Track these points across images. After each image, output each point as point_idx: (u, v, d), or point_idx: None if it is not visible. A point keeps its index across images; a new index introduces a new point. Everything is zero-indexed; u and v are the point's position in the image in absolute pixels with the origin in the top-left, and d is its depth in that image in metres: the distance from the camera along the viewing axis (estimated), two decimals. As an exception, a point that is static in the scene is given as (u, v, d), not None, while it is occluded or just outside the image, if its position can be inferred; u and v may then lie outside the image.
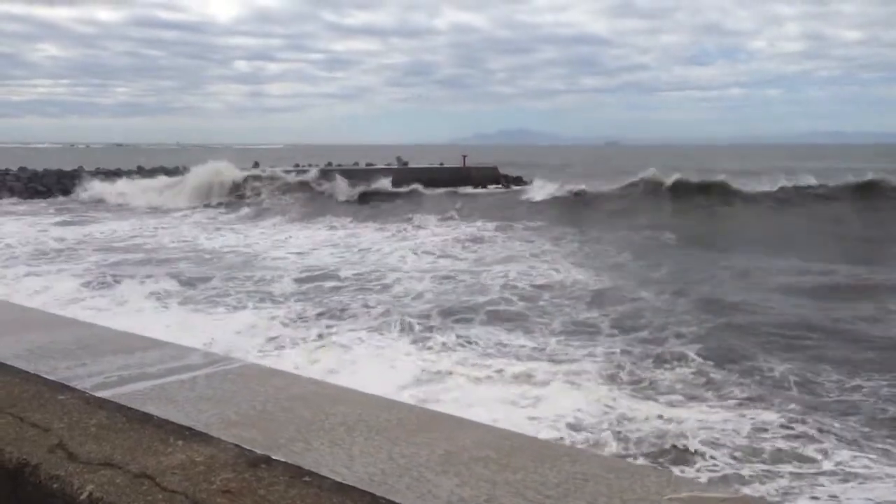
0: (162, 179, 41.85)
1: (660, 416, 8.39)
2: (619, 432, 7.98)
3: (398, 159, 56.62)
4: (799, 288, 16.42)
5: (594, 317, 13.53)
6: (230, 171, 41.75)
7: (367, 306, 14.20)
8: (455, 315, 13.54)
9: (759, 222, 28.41)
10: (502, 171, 54.40)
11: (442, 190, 42.33)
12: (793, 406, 8.85)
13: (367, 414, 2.12)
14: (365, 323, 12.96)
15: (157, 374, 2.52)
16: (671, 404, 8.93)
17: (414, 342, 11.64)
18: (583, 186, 35.87)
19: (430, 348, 11.25)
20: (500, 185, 49.22)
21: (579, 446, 7.00)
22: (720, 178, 34.89)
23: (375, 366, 10.34)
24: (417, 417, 2.10)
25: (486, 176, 51.38)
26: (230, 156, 48.95)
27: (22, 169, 46.32)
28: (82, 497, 1.68)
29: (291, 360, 10.33)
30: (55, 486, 1.74)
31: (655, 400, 9.04)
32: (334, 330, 12.46)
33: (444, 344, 11.46)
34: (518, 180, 51.93)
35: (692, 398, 9.18)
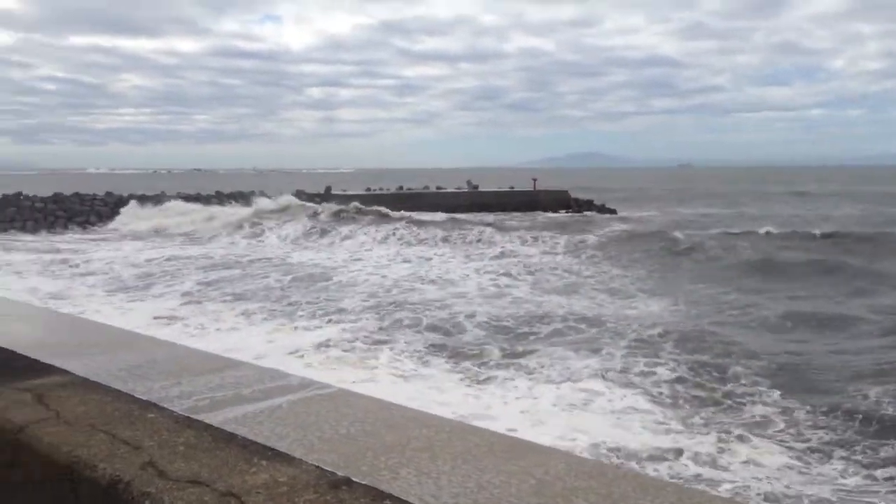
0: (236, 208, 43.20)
1: (747, 461, 8.09)
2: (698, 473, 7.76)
3: (468, 183, 56.82)
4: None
5: (658, 339, 13.26)
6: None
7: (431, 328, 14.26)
8: (512, 336, 13.49)
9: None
10: (573, 195, 54.03)
11: (512, 214, 42.30)
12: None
13: (451, 439, 2.10)
14: (432, 344, 13.00)
15: (245, 396, 2.57)
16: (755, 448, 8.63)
17: (464, 370, 11.59)
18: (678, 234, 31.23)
19: (482, 380, 11.15)
20: (570, 210, 48.87)
21: (678, 481, 6.80)
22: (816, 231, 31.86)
23: (440, 390, 10.33)
24: (504, 444, 2.07)
25: (556, 200, 51.12)
26: (302, 180, 49.98)
27: (108, 194, 48.21)
28: (173, 514, 1.71)
29: (351, 376, 10.46)
30: (146, 502, 1.78)
31: (747, 442, 8.69)
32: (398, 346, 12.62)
33: (487, 375, 11.37)
34: (589, 204, 51.50)
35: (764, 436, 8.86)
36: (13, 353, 3.10)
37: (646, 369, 11.46)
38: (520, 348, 12.76)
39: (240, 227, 38.42)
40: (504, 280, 21.22)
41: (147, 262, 25.24)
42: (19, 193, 45.06)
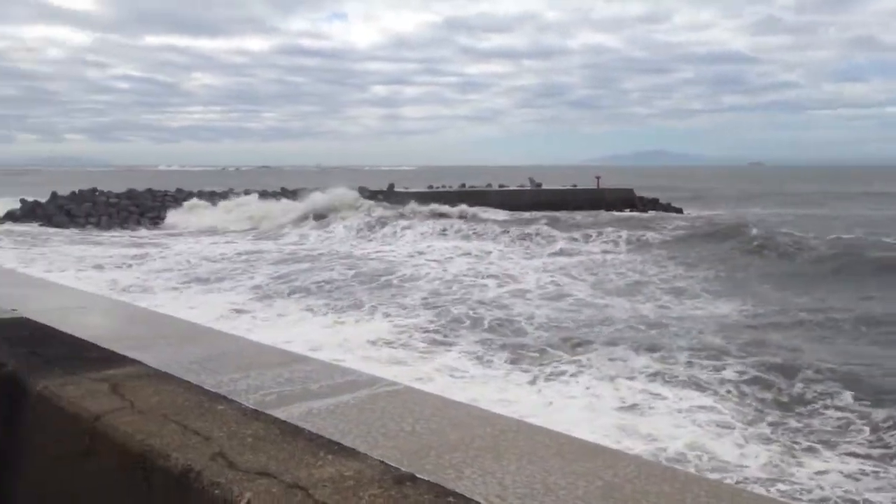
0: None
1: (820, 470, 7.85)
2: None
3: (531, 181, 56.50)
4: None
5: (725, 341, 12.95)
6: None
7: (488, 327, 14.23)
8: (573, 336, 13.36)
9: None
10: (638, 193, 53.25)
11: (575, 213, 41.93)
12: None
13: (516, 439, 2.09)
14: (481, 340, 12.98)
15: (312, 391, 2.61)
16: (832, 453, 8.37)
17: (526, 370, 11.51)
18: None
19: (543, 379, 11.07)
20: (635, 209, 48.18)
21: (756, 490, 6.65)
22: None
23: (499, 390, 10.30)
24: (569, 445, 2.05)
25: (620, 198, 50.45)
26: (365, 177, 50.49)
27: (178, 190, 49.47)
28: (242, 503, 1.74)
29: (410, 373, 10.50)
30: (217, 492, 1.81)
31: (818, 448, 8.45)
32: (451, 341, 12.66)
33: (548, 375, 11.27)
34: (655, 203, 50.70)
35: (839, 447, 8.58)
36: (90, 344, 3.20)
37: (712, 372, 11.21)
38: (581, 349, 12.62)
39: (305, 222, 39.04)
40: (564, 279, 21.04)
41: (218, 257, 25.87)
42: (94, 189, 46.65)
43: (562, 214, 40.80)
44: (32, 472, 2.51)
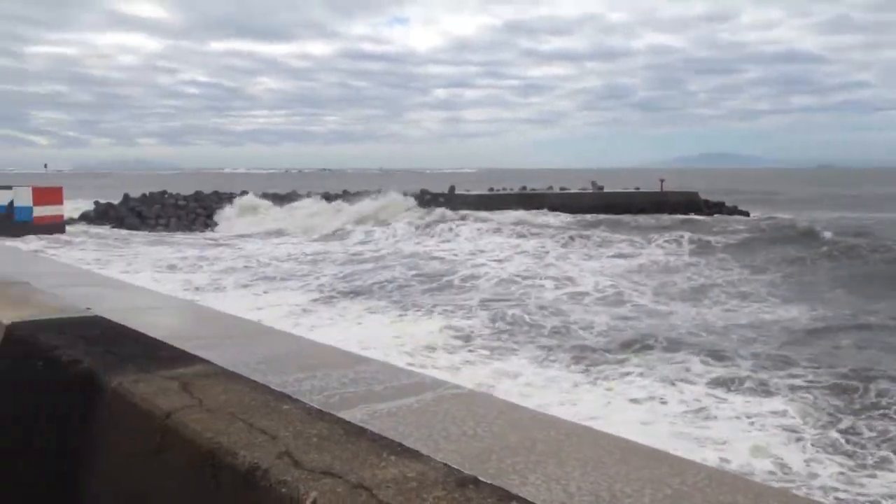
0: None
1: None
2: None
3: (593, 184, 55.98)
4: None
5: (794, 348, 12.59)
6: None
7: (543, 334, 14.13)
8: (635, 340, 13.14)
9: None
10: (703, 196, 52.23)
11: (638, 216, 41.37)
12: None
13: (580, 444, 2.07)
14: (538, 346, 12.88)
15: (376, 393, 2.63)
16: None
17: (584, 373, 11.38)
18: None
19: (604, 385, 10.93)
20: (700, 212, 47.26)
21: (828, 502, 6.45)
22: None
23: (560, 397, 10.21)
24: (635, 451, 2.02)
25: (684, 201, 49.54)
26: (426, 180, 50.82)
27: (243, 193, 50.49)
28: (307, 503, 1.77)
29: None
30: (283, 490, 1.84)
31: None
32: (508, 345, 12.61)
33: (608, 375, 11.12)
34: (720, 206, 49.65)
35: None
36: (161, 342, 3.29)
37: (780, 378, 10.93)
38: (642, 352, 12.44)
39: (367, 223, 39.47)
40: (624, 283, 20.77)
41: (284, 257, 26.38)
42: (164, 191, 47.95)
43: (623, 217, 40.31)
44: (106, 468, 2.58)
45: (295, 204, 45.95)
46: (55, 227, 38.65)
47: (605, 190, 53.93)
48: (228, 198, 47.48)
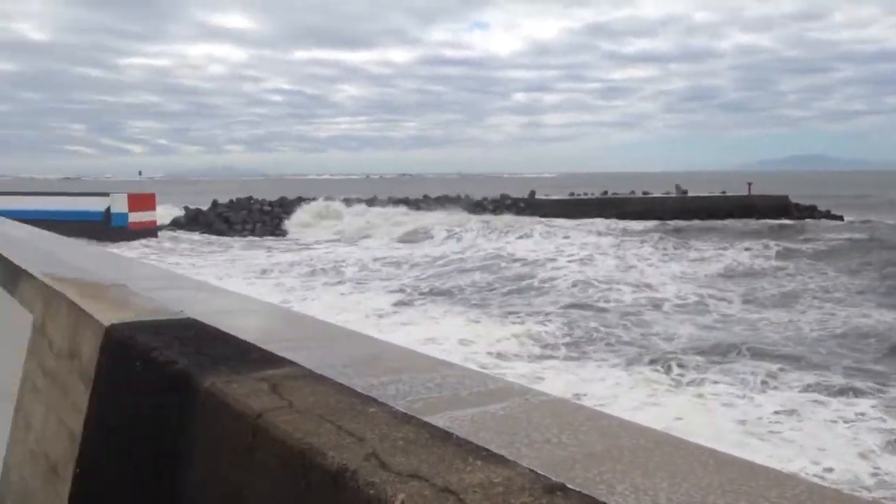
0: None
1: None
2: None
3: (677, 187, 54.83)
4: None
5: (891, 356, 12.02)
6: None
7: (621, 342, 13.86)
8: (721, 350, 12.74)
9: None
10: (793, 200, 50.49)
11: (725, 221, 40.30)
12: None
13: (670, 455, 2.03)
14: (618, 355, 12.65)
15: (461, 398, 2.64)
16: None
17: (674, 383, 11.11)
18: None
19: (691, 393, 10.65)
20: (790, 216, 45.72)
21: None
22: None
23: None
24: (728, 462, 1.97)
25: (773, 206, 48.04)
26: (505, 185, 50.88)
27: (327, 198, 51.43)
28: (395, 505, 1.79)
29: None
30: (371, 491, 1.87)
31: None
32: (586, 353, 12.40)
33: (692, 381, 10.81)
34: (812, 210, 47.99)
35: None
36: (251, 344, 3.39)
37: (877, 385, 10.48)
38: (732, 362, 12.11)
39: (446, 227, 39.68)
40: (708, 289, 20.25)
41: (367, 261, 26.83)
42: (250, 197, 49.33)
43: (708, 222, 39.30)
44: (201, 464, 2.68)
45: (376, 209, 46.62)
46: (149, 231, 40.22)
47: (690, 194, 52.73)
48: (312, 203, 48.50)
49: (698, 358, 12.09)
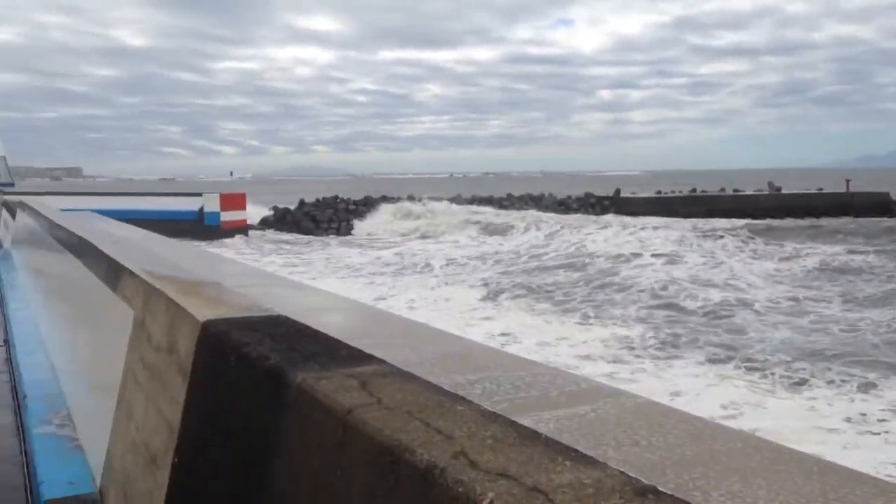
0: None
1: None
2: None
3: (770, 185, 53.04)
4: None
5: None
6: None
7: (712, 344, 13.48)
8: (820, 357, 12.22)
9: None
10: (895, 198, 48.16)
11: (820, 219, 38.77)
12: None
13: (765, 460, 1.97)
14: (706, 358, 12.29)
15: (550, 398, 2.63)
16: None
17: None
18: None
19: (785, 399, 10.26)
20: (892, 214, 43.64)
21: None
22: None
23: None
24: (826, 470, 1.89)
25: (873, 203, 45.94)
26: (589, 183, 50.42)
27: (410, 197, 51.92)
28: (484, 503, 1.79)
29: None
30: (460, 489, 1.88)
31: None
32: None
33: (787, 383, 10.40)
34: (915, 208, 45.70)
35: None
36: (339, 341, 3.45)
37: None
38: (827, 363, 11.64)
39: (528, 224, 39.55)
40: (802, 292, 19.51)
41: (454, 257, 27.09)
42: (336, 197, 50.25)
43: (803, 221, 37.90)
44: (292, 458, 2.74)
45: (460, 207, 46.81)
46: (239, 230, 41.43)
47: (784, 191, 50.95)
48: (396, 202, 49.05)
49: (791, 359, 11.67)
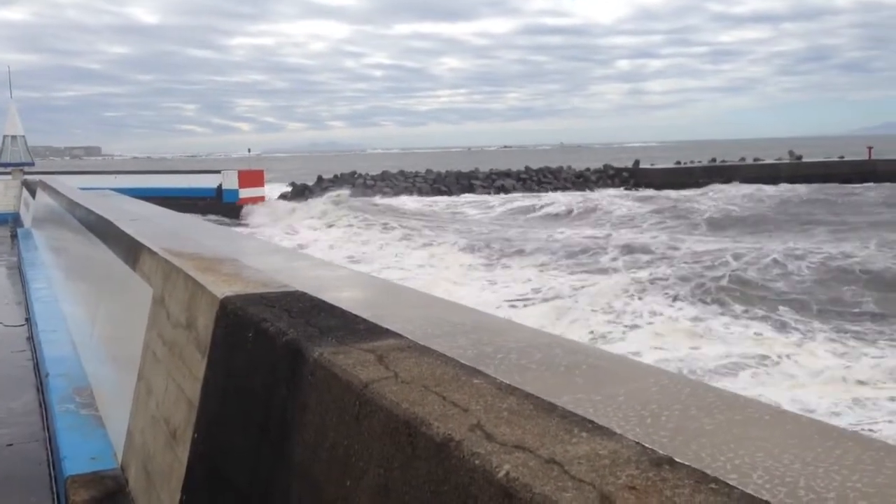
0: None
1: None
2: None
3: (790, 153, 52.42)
4: None
5: None
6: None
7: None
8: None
9: None
10: (918, 164, 47.46)
11: (841, 186, 38.32)
12: None
13: (776, 428, 1.96)
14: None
15: (565, 371, 2.62)
16: None
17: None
18: None
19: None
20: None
21: None
22: None
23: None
24: (858, 443, 1.87)
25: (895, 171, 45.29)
26: (608, 155, 50.05)
27: (428, 171, 51.87)
28: (500, 475, 1.79)
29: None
30: (476, 462, 1.88)
31: None
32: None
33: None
34: (941, 175, 45.00)
35: None
36: (357, 316, 3.45)
37: None
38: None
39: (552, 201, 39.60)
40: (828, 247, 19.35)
41: (481, 220, 27.31)
42: (353, 172, 50.25)
43: (824, 185, 37.47)
44: (310, 431, 2.75)
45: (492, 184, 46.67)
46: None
47: (805, 160, 50.39)
48: (413, 177, 48.97)
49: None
